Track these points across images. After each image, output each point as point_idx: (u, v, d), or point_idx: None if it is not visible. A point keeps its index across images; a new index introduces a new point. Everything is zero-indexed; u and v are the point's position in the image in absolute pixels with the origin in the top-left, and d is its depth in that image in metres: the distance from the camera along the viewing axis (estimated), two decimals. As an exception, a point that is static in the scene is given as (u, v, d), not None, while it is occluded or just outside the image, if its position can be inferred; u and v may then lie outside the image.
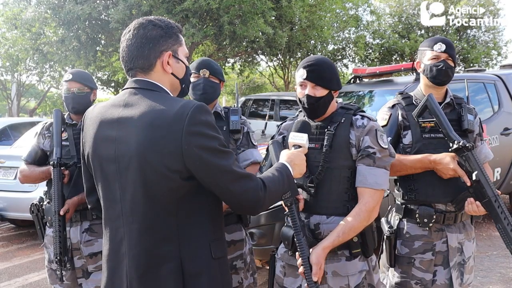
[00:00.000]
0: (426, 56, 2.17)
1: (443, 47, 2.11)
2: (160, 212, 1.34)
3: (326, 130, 1.80)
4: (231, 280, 1.71)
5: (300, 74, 1.80)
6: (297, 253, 1.65)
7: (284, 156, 1.59)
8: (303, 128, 1.73)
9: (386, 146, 1.79)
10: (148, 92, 1.38)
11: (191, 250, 1.36)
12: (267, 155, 1.99)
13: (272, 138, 2.01)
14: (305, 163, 1.61)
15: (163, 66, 1.41)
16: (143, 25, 1.40)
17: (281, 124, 2.05)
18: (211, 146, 1.31)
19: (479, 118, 2.25)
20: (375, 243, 1.83)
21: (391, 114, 2.20)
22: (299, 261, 1.63)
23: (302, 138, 1.67)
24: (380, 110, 2.29)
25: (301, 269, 1.62)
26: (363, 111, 1.87)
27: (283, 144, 1.90)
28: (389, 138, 2.15)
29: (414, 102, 2.19)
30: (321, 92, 1.78)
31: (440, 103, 2.13)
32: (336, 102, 1.89)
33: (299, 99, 1.84)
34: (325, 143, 1.77)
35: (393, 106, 2.23)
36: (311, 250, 1.65)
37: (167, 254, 1.34)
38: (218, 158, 1.31)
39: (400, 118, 2.17)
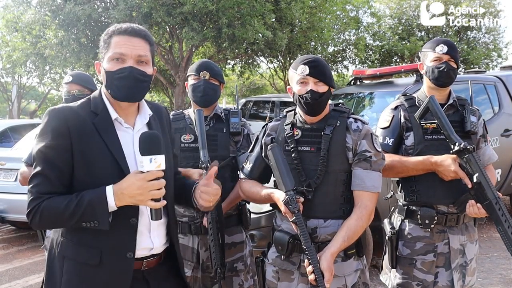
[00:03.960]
0: (428, 58, 2.17)
1: (445, 48, 2.11)
2: None
3: (322, 133, 1.79)
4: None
5: (300, 70, 1.76)
6: (306, 260, 1.64)
7: (122, 180, 1.40)
8: (150, 145, 1.38)
9: (380, 150, 1.81)
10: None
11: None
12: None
13: (257, 138, 1.99)
14: (150, 192, 1.37)
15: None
16: None
17: (266, 124, 1.99)
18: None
19: (483, 120, 2.24)
20: (366, 243, 1.84)
21: (393, 116, 2.20)
22: (309, 268, 1.61)
23: (142, 165, 1.36)
24: (383, 112, 2.30)
25: (312, 277, 1.60)
26: (353, 113, 1.87)
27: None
28: (392, 140, 2.15)
29: (417, 104, 2.19)
30: (323, 88, 1.77)
31: (443, 105, 2.14)
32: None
33: (298, 96, 1.78)
34: (322, 147, 1.77)
35: (396, 107, 2.23)
36: (318, 256, 1.64)
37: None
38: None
39: (402, 119, 2.18)
